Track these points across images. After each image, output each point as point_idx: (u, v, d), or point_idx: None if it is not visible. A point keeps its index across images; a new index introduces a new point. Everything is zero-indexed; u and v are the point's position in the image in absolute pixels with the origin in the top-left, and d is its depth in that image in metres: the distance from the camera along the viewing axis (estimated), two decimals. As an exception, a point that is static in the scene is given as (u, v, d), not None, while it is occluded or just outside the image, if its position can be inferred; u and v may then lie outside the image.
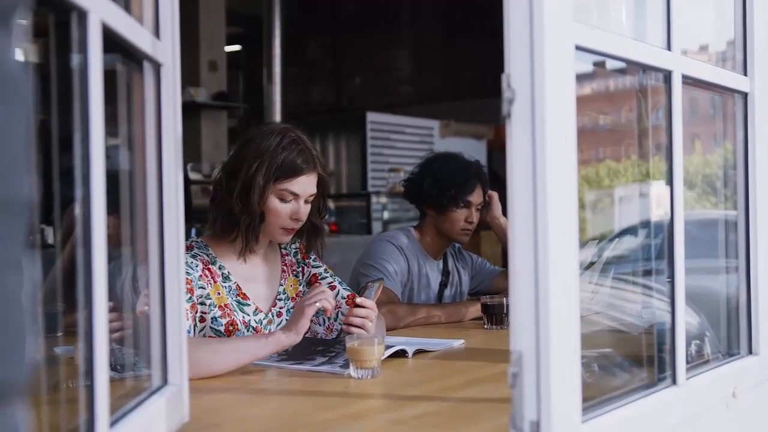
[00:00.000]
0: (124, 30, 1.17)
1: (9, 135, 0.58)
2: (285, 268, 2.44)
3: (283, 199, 2.24)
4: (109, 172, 1.09)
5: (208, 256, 2.26)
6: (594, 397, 1.36)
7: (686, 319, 1.60)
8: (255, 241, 2.30)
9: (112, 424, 1.12)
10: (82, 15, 1.02)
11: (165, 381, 1.41)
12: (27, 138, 0.61)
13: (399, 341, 2.23)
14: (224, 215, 2.26)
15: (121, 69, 1.35)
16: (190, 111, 7.19)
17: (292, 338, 2.02)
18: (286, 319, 2.34)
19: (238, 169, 2.24)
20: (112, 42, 1.14)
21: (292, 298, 2.41)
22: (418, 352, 2.24)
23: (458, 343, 2.41)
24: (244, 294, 2.29)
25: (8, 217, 0.58)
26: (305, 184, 2.25)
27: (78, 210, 1.05)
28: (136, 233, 1.43)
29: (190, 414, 1.48)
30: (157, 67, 1.38)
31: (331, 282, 2.44)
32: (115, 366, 1.38)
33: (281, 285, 2.40)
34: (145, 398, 1.32)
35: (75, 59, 1.04)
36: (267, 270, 2.39)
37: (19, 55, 0.62)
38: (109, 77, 1.11)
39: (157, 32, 1.38)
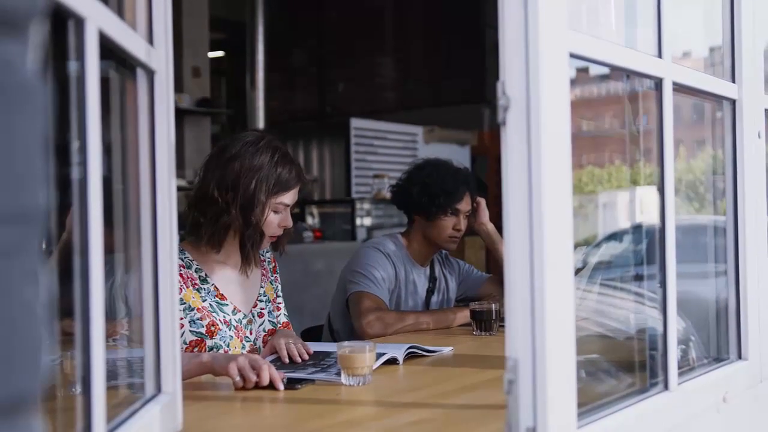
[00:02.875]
0: (119, 37, 1.17)
1: (25, 144, 0.58)
2: (264, 272, 2.51)
3: (276, 211, 2.33)
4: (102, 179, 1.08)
5: (183, 260, 2.29)
6: (588, 403, 1.37)
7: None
8: (257, 254, 2.39)
9: (108, 433, 1.11)
10: (80, 22, 1.01)
11: (158, 389, 1.40)
12: (42, 147, 0.61)
13: (389, 348, 2.23)
14: (223, 230, 2.29)
15: (113, 76, 1.34)
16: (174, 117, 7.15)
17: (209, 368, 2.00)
18: (268, 320, 2.44)
19: (232, 184, 2.27)
20: (107, 49, 1.13)
21: (272, 301, 2.49)
22: (410, 356, 2.24)
23: (448, 350, 2.42)
24: (222, 295, 2.34)
25: (25, 226, 0.58)
26: (294, 195, 2.37)
27: (68, 217, 1.05)
28: (129, 241, 1.42)
29: (183, 422, 1.48)
30: (150, 74, 1.38)
31: (280, 303, 2.55)
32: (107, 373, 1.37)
33: (262, 287, 2.47)
34: (140, 407, 1.32)
35: (71, 66, 1.04)
36: (245, 273, 2.42)
37: (34, 65, 0.61)
38: (102, 84, 1.10)
39: (150, 39, 1.38)
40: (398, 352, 2.21)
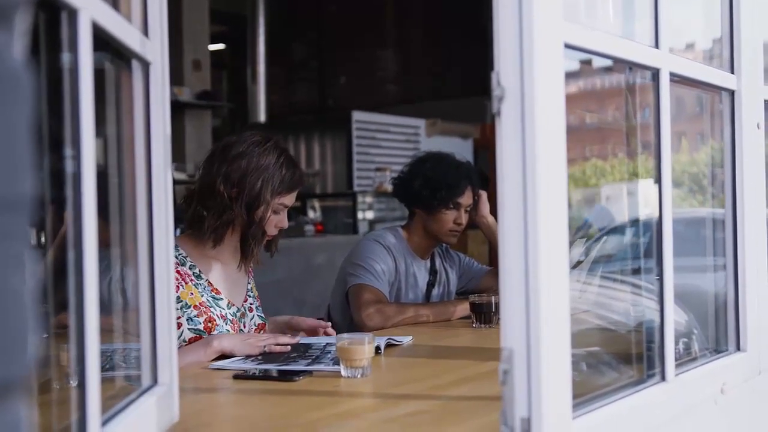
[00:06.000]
0: (113, 29, 1.17)
1: (12, 132, 0.59)
2: (250, 270, 2.55)
3: (276, 212, 2.37)
4: (96, 173, 1.08)
5: (177, 257, 2.30)
6: (585, 394, 1.37)
7: (674, 317, 1.61)
8: (259, 251, 2.43)
9: (104, 423, 1.11)
10: (73, 13, 1.01)
11: (155, 381, 1.41)
12: (29, 136, 0.61)
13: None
14: (225, 225, 2.33)
15: (109, 67, 1.34)
16: (174, 110, 7.10)
17: (220, 348, 2.16)
18: (258, 315, 2.50)
19: (238, 181, 2.31)
20: (101, 40, 1.13)
21: (257, 297, 2.55)
22: (389, 346, 2.29)
23: (407, 340, 2.44)
24: (217, 289, 2.38)
25: (11, 213, 0.59)
26: (294, 197, 2.43)
27: (65, 211, 1.05)
28: (124, 234, 1.42)
29: (180, 414, 1.48)
30: (146, 66, 1.38)
31: (256, 304, 2.58)
32: (104, 366, 1.37)
33: (249, 283, 2.52)
34: (136, 398, 1.32)
35: (65, 58, 1.04)
36: (236, 269, 2.46)
37: (20, 54, 0.62)
38: (96, 76, 1.10)
39: (145, 31, 1.38)
40: (380, 341, 2.25)
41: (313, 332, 2.47)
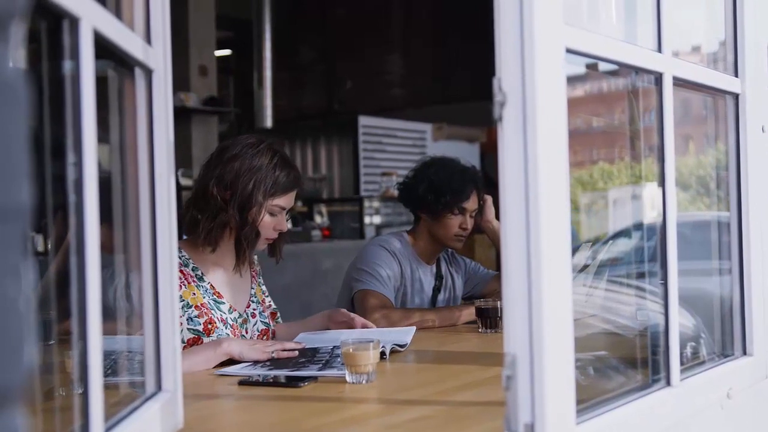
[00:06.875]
0: (115, 36, 1.17)
1: (7, 141, 0.59)
2: (254, 274, 2.56)
3: (272, 214, 2.37)
4: (100, 180, 1.08)
5: (180, 258, 2.31)
6: (589, 399, 1.36)
7: (681, 321, 1.60)
8: (251, 253, 2.43)
9: (107, 430, 1.11)
10: (74, 22, 1.02)
11: (159, 387, 1.41)
12: (25, 144, 0.62)
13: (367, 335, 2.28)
14: (220, 227, 2.33)
15: (112, 75, 1.35)
16: (181, 116, 7.16)
17: (228, 350, 2.14)
18: (261, 321, 2.49)
19: (231, 183, 2.32)
20: (104, 48, 1.14)
21: (261, 302, 2.54)
22: (394, 352, 2.29)
23: (411, 331, 2.47)
24: (219, 293, 2.38)
25: (7, 223, 0.59)
26: (290, 199, 2.41)
27: (70, 217, 1.05)
28: (129, 241, 1.42)
29: (184, 420, 1.48)
30: (148, 73, 1.38)
31: (270, 302, 2.62)
32: (107, 372, 1.37)
33: (252, 288, 2.52)
34: (140, 405, 1.32)
35: (66, 65, 1.04)
36: (239, 274, 2.47)
37: (16, 62, 0.62)
38: (100, 83, 1.11)
39: (148, 38, 1.38)
40: (392, 337, 2.27)
41: (348, 326, 2.52)
